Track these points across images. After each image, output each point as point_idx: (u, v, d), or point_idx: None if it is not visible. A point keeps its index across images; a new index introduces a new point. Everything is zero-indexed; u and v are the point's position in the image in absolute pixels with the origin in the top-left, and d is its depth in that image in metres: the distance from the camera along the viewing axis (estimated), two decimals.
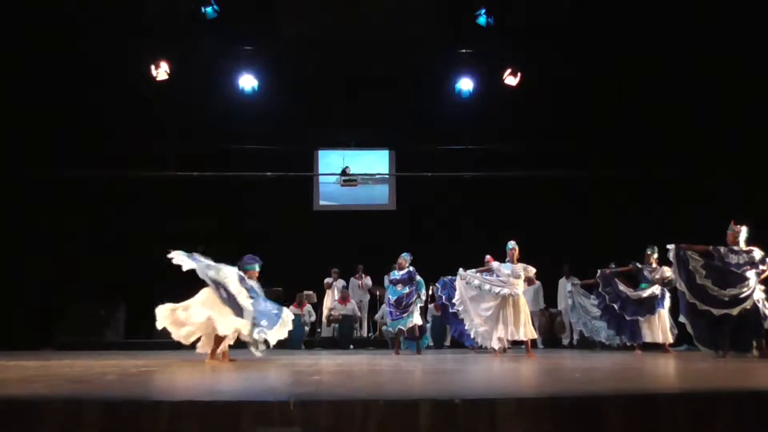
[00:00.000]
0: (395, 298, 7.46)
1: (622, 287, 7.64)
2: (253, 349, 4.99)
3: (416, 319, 7.43)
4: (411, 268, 7.51)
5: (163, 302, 5.17)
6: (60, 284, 9.76)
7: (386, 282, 7.95)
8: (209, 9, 9.06)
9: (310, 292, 10.13)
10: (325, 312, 10.16)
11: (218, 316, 4.91)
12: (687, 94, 9.22)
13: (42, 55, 9.16)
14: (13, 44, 8.75)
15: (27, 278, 9.65)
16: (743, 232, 5.89)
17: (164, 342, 8.97)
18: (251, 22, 9.75)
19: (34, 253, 9.73)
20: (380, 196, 12.49)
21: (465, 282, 6.90)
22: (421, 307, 7.69)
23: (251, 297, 5.14)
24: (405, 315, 7.37)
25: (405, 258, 7.57)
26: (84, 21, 9.00)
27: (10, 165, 9.29)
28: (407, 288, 7.42)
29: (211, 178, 11.20)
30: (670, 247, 6.08)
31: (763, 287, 5.79)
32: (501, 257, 6.85)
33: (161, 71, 9.75)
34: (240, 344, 5.22)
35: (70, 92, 9.72)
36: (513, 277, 6.57)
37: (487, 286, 6.65)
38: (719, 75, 8.75)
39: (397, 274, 7.55)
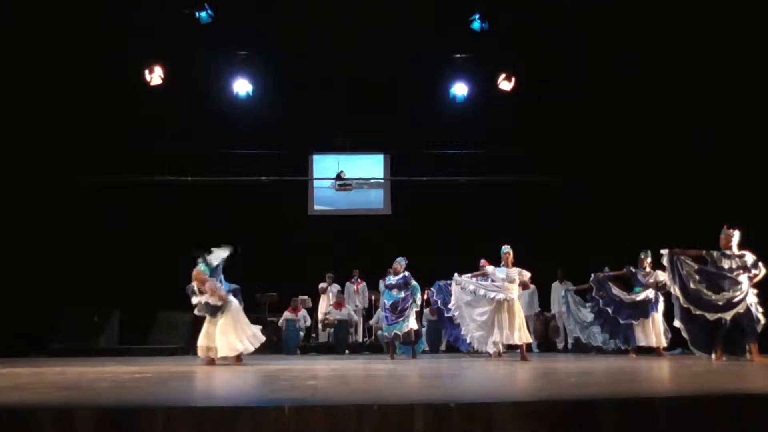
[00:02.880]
0: (391, 302, 7.46)
1: (615, 291, 7.66)
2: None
3: (412, 324, 7.42)
4: (406, 273, 7.51)
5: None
6: (53, 290, 9.68)
7: (381, 286, 7.95)
8: (204, 14, 9.06)
9: (305, 297, 10.11)
10: (320, 317, 10.13)
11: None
12: (685, 95, 9.25)
13: (38, 56, 9.13)
14: (9, 42, 8.72)
15: (20, 284, 9.57)
16: (736, 236, 5.92)
17: (158, 348, 8.97)
18: (246, 27, 9.75)
19: (27, 258, 9.65)
20: (375, 200, 12.48)
21: (460, 287, 6.91)
22: (416, 312, 7.69)
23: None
24: (401, 320, 7.36)
25: (400, 262, 7.57)
26: (79, 24, 8.98)
27: (7, 167, 9.22)
28: (403, 293, 7.42)
29: (205, 182, 11.18)
30: (664, 252, 6.10)
31: (755, 291, 5.82)
32: (496, 261, 6.86)
33: (155, 76, 9.74)
34: None
35: (68, 94, 9.68)
36: (508, 282, 6.58)
37: (481, 291, 6.65)
38: (719, 75, 8.78)
39: (392, 279, 7.55)
